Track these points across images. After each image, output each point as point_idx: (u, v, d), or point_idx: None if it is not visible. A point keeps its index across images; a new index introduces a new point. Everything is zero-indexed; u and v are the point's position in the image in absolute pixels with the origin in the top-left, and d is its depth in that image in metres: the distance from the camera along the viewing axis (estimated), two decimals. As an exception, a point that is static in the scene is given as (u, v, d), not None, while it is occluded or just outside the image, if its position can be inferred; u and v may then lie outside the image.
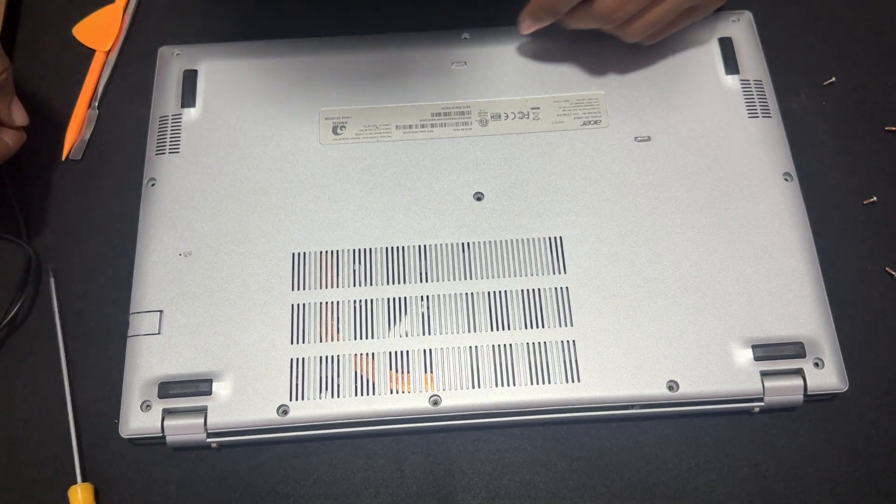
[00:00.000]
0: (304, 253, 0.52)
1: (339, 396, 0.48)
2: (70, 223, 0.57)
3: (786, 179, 0.54)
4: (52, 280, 0.54)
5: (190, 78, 0.58)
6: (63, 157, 0.58)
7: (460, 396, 0.48)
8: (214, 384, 0.49)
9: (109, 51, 0.62)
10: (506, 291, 0.51)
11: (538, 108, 0.56)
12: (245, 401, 0.48)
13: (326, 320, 0.50)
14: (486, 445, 0.50)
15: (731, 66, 0.57)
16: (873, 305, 0.54)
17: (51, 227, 0.56)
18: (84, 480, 0.49)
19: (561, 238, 0.52)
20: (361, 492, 0.49)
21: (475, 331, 0.50)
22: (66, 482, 0.49)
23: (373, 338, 0.50)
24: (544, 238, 0.52)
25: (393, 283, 0.51)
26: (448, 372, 0.49)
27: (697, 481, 0.49)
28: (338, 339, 0.50)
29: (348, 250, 0.52)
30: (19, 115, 0.54)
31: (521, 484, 0.49)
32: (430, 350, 0.49)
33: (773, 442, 0.50)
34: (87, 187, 0.58)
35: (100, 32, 0.63)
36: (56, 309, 0.53)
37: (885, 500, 0.49)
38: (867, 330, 0.53)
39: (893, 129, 0.59)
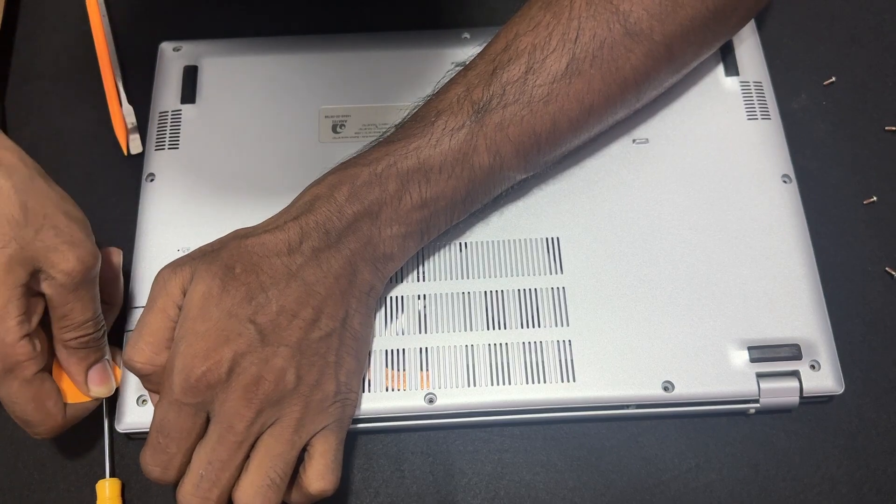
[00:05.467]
0: (302, 251, 0.52)
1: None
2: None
3: (784, 182, 0.54)
4: None
5: (190, 74, 0.58)
6: (125, 154, 0.59)
7: (456, 395, 0.48)
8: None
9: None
10: (502, 291, 0.51)
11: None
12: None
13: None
14: (485, 445, 0.50)
15: (731, 67, 0.57)
16: (873, 305, 0.54)
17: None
18: (112, 476, 0.50)
19: (558, 238, 0.52)
20: (361, 492, 0.49)
21: (471, 330, 0.50)
22: (95, 477, 0.50)
23: (373, 328, 0.50)
24: (541, 238, 0.52)
25: (390, 282, 0.51)
26: (444, 370, 0.49)
27: (697, 481, 0.49)
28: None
29: (346, 248, 0.52)
30: (97, 383, 0.47)
31: (521, 484, 0.49)
32: (427, 348, 0.49)
33: (773, 442, 0.50)
34: (86, 187, 0.58)
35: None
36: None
37: (885, 500, 0.49)
38: (867, 329, 0.53)
39: (893, 129, 0.59)
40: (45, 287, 0.44)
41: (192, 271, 0.44)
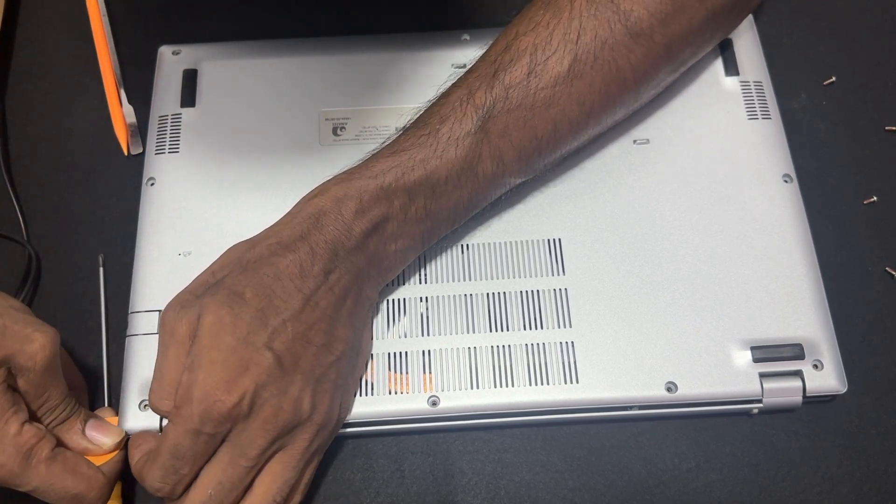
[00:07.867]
0: (304, 253, 0.52)
1: (338, 397, 0.48)
2: (70, 222, 0.57)
3: (785, 181, 0.54)
4: (101, 269, 0.55)
5: (190, 78, 0.58)
6: (125, 154, 0.58)
7: (459, 397, 0.48)
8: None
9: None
10: (505, 293, 0.51)
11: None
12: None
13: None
14: (485, 445, 0.50)
15: (731, 67, 0.57)
16: (873, 305, 0.54)
17: (50, 226, 0.56)
18: None
19: (560, 240, 0.52)
20: (361, 492, 0.49)
21: (474, 332, 0.50)
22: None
23: (372, 339, 0.50)
24: (543, 240, 0.52)
25: (392, 284, 0.51)
26: (447, 373, 0.49)
27: (697, 481, 0.49)
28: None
29: (348, 251, 0.52)
30: (102, 435, 0.46)
31: (521, 484, 0.49)
32: (429, 351, 0.49)
33: (774, 442, 0.50)
34: (86, 187, 0.58)
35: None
36: (103, 295, 0.54)
37: (885, 500, 0.49)
38: (867, 329, 0.53)
39: (893, 128, 0.59)
40: (21, 383, 0.43)
41: (199, 311, 0.43)
